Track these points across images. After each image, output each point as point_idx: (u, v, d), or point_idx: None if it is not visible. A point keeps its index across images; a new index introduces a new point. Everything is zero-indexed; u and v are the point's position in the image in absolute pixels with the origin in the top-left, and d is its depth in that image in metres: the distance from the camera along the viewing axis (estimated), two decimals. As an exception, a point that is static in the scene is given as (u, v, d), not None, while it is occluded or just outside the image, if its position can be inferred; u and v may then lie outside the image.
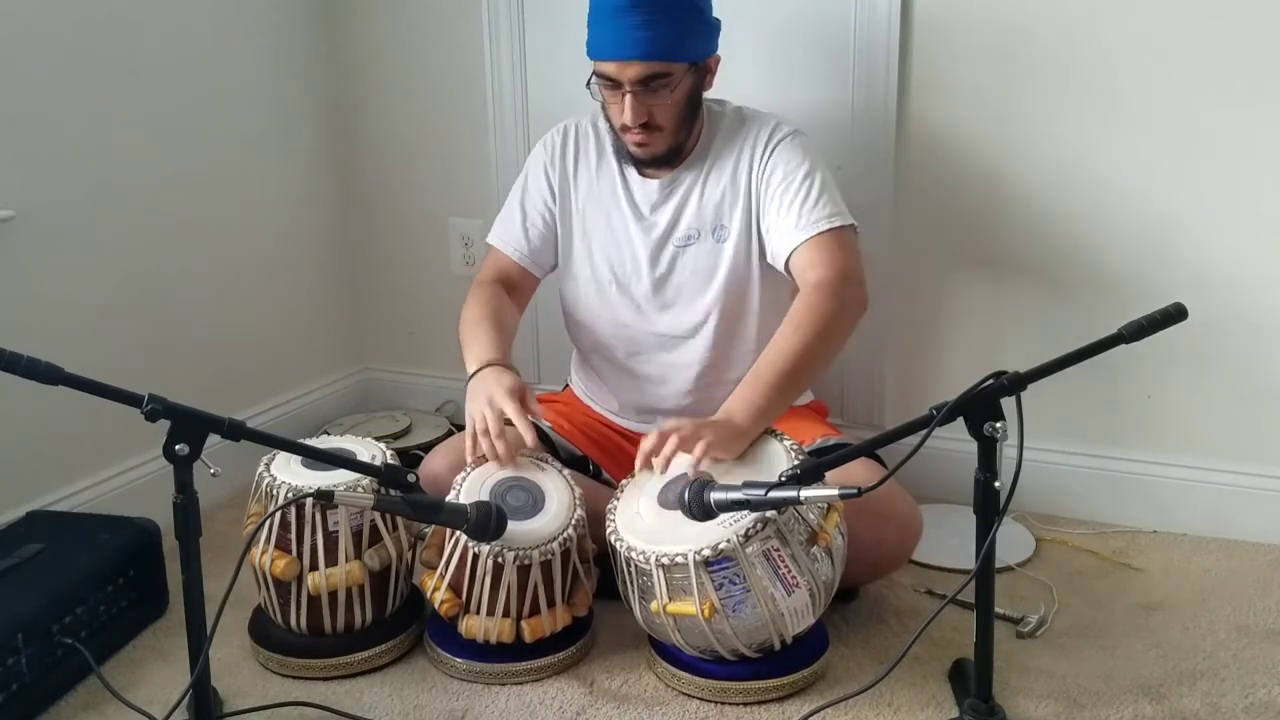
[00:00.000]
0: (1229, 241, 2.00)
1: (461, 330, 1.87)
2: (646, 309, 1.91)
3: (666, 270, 1.89)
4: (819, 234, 1.76)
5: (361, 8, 2.55)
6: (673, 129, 1.79)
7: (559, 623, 1.67)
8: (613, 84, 1.74)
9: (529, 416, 1.68)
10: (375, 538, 1.69)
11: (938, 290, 2.23)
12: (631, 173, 1.90)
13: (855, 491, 1.39)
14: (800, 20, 2.15)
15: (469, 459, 1.72)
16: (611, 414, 2.02)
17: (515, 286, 1.95)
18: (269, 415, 2.49)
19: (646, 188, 1.89)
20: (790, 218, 1.77)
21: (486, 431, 1.69)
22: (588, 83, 1.78)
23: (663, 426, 1.60)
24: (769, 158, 1.81)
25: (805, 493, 1.44)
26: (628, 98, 1.72)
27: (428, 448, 1.99)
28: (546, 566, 1.63)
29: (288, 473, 1.68)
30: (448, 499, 1.67)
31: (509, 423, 1.69)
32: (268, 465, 1.71)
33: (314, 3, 2.54)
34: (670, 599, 1.55)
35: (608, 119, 1.84)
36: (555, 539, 1.63)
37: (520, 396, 1.70)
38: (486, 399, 1.70)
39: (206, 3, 2.27)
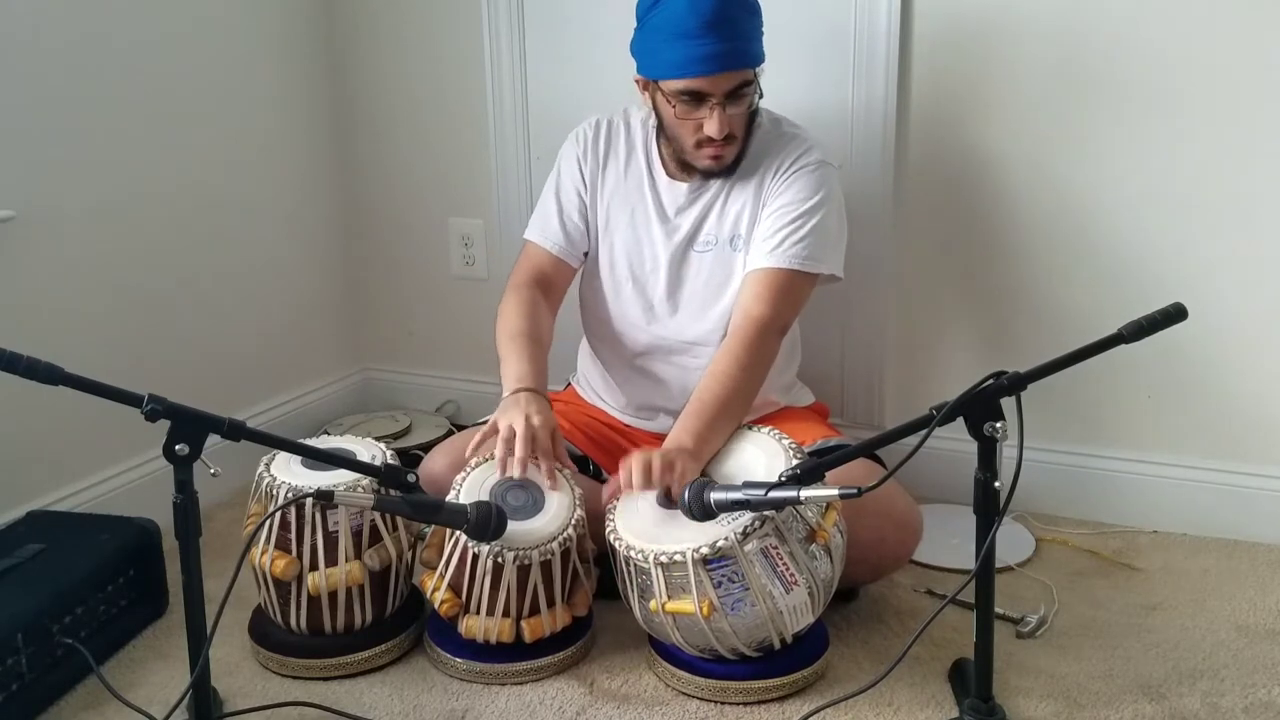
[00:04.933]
0: (1229, 240, 2.00)
1: (499, 339, 1.86)
2: (660, 311, 1.91)
3: (684, 274, 1.89)
4: (780, 269, 1.77)
5: (362, 9, 2.55)
6: (743, 136, 1.80)
7: (559, 623, 1.67)
8: (697, 101, 1.72)
9: (556, 464, 1.71)
10: (375, 538, 1.69)
11: (938, 290, 2.23)
12: (660, 173, 1.90)
13: (855, 491, 1.39)
14: (800, 19, 2.15)
15: (469, 452, 1.72)
16: (615, 410, 2.02)
17: (551, 283, 1.95)
18: (269, 415, 2.49)
19: (674, 190, 1.89)
20: (770, 241, 1.79)
21: (510, 440, 1.68)
22: (655, 107, 1.78)
23: (634, 460, 1.62)
24: (786, 179, 1.82)
25: (805, 492, 1.44)
26: (716, 111, 1.72)
27: (428, 448, 1.99)
28: (546, 566, 1.63)
29: (288, 473, 1.68)
30: (448, 499, 1.67)
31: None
32: (268, 465, 1.71)
33: (314, 4, 2.54)
34: (669, 598, 1.55)
35: (669, 138, 1.82)
36: (555, 539, 1.63)
37: (552, 435, 1.72)
38: (524, 418, 1.70)
39: (208, 4, 2.27)
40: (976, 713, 1.48)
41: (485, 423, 1.77)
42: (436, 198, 2.60)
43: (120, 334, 2.12)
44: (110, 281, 2.10)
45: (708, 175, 1.85)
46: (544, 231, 1.96)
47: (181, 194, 2.24)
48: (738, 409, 1.73)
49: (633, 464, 1.61)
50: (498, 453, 1.69)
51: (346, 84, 2.61)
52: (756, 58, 1.74)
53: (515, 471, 1.66)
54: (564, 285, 1.98)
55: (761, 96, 1.79)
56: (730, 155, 1.80)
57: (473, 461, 1.73)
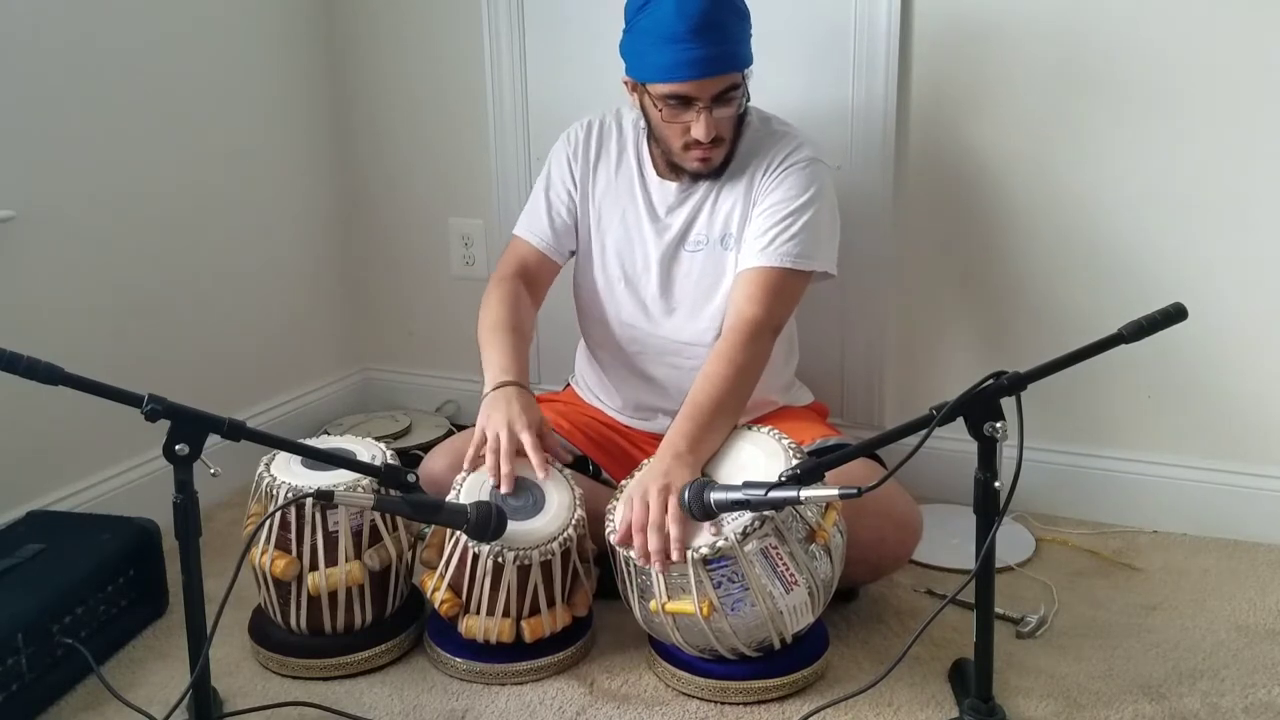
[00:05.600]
0: (1229, 241, 2.00)
1: (481, 331, 1.86)
2: (653, 311, 1.91)
3: (675, 274, 1.89)
4: (772, 267, 1.77)
5: (362, 9, 2.55)
6: (731, 139, 1.80)
7: (559, 623, 1.67)
8: (684, 104, 1.72)
9: (545, 454, 1.70)
10: (375, 538, 1.69)
11: (938, 290, 2.23)
12: (650, 173, 1.90)
13: (855, 491, 1.39)
14: (800, 19, 2.15)
15: (467, 464, 1.72)
16: (613, 411, 2.02)
17: (535, 278, 1.95)
18: (269, 415, 2.49)
19: (664, 189, 1.89)
20: (762, 240, 1.78)
21: (497, 450, 1.69)
22: (643, 108, 1.78)
23: (628, 501, 1.59)
24: (776, 177, 1.81)
25: (805, 492, 1.44)
26: (703, 115, 1.71)
27: (428, 448, 1.99)
28: (546, 566, 1.63)
29: (288, 473, 1.68)
30: (448, 499, 1.67)
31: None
32: (268, 465, 1.71)
33: (314, 4, 2.54)
34: (669, 598, 1.56)
35: (657, 139, 1.83)
36: (555, 539, 1.63)
37: (538, 430, 1.71)
38: (506, 422, 1.70)
39: (208, 4, 2.27)
40: (976, 713, 1.48)
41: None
42: (436, 198, 2.60)
43: (120, 334, 2.12)
44: (110, 281, 2.10)
45: (695, 177, 1.85)
46: (531, 228, 1.96)
47: (181, 194, 2.24)
48: (732, 410, 1.73)
49: (633, 505, 1.58)
50: (487, 463, 1.69)
51: (346, 84, 2.61)
52: (744, 61, 1.74)
53: (504, 487, 1.66)
54: (547, 282, 1.98)
55: (749, 99, 1.79)
56: (718, 157, 1.80)
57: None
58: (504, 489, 1.67)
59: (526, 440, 1.69)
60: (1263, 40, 1.90)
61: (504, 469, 1.67)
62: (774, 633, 1.57)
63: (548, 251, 1.95)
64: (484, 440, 1.72)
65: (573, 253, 1.98)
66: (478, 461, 1.72)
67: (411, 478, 1.63)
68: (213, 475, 1.39)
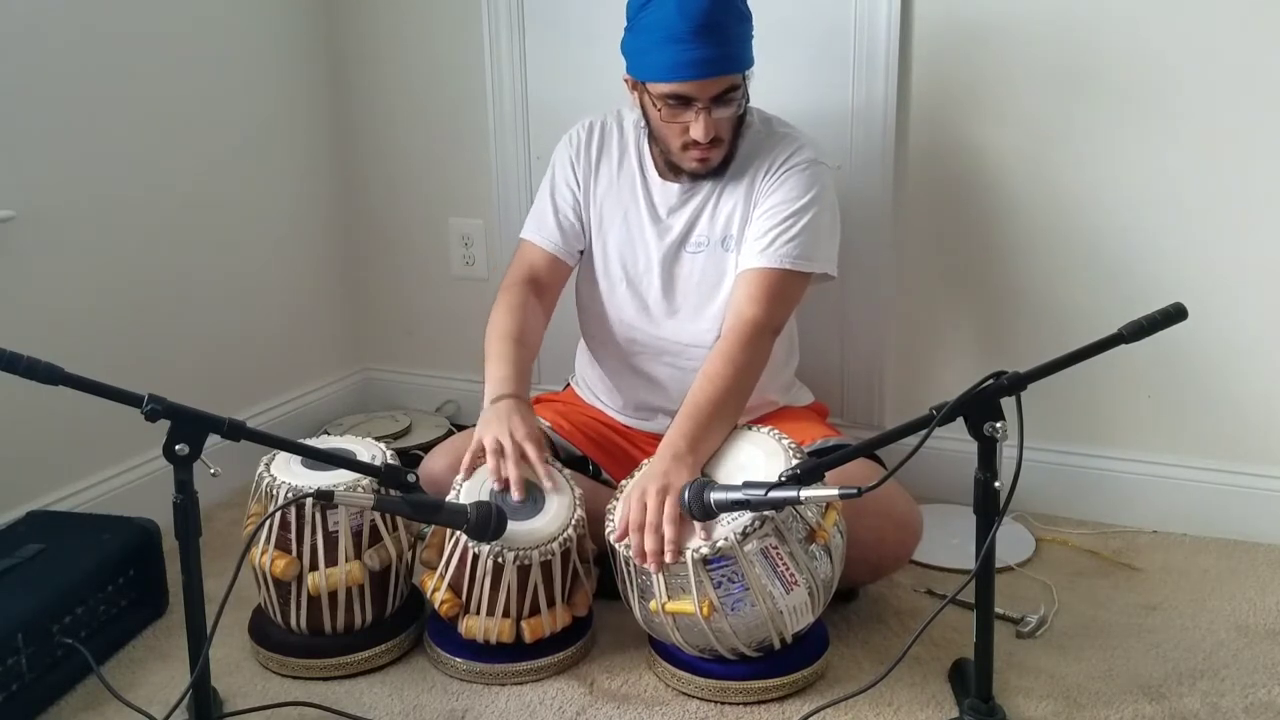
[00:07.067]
0: (1229, 240, 2.00)
1: (487, 339, 1.86)
2: (655, 312, 1.91)
3: (676, 275, 1.89)
4: (772, 269, 1.77)
5: (362, 8, 2.55)
6: (730, 139, 1.80)
7: (559, 623, 1.67)
8: (683, 104, 1.72)
9: (545, 464, 1.71)
10: (375, 538, 1.69)
11: (938, 290, 2.23)
12: (652, 174, 1.90)
13: (855, 491, 1.39)
14: (800, 19, 2.15)
15: (463, 471, 1.72)
16: (613, 411, 2.02)
17: (545, 282, 1.94)
18: (269, 415, 2.49)
19: (666, 191, 1.89)
20: (762, 241, 1.79)
21: (499, 452, 1.69)
22: (643, 106, 1.78)
23: (628, 500, 1.60)
24: (777, 178, 1.81)
25: (805, 492, 1.44)
26: (702, 115, 1.72)
27: (428, 448, 1.99)
28: (546, 566, 1.63)
29: (288, 473, 1.68)
30: (448, 499, 1.67)
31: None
32: (268, 465, 1.71)
33: (314, 4, 2.54)
34: (669, 598, 1.56)
35: (657, 140, 1.83)
36: (555, 539, 1.63)
37: (537, 441, 1.72)
38: (508, 431, 1.70)
39: (208, 4, 2.27)
40: (976, 713, 1.48)
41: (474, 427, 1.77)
42: (436, 198, 2.60)
43: (120, 334, 2.12)
44: (110, 281, 2.10)
45: (695, 177, 1.85)
46: (540, 230, 1.96)
47: (181, 194, 2.24)
48: (732, 410, 1.73)
49: (631, 504, 1.59)
50: (490, 465, 1.69)
51: (346, 84, 2.61)
52: (745, 63, 1.74)
53: (515, 495, 1.66)
54: (559, 284, 1.98)
55: (748, 100, 1.79)
56: (716, 158, 1.80)
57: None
58: (516, 496, 1.66)
59: (530, 451, 1.69)
60: (1262, 41, 1.90)
61: (514, 475, 1.67)
62: (774, 633, 1.57)
63: (558, 253, 1.94)
64: (481, 449, 1.72)
65: (582, 253, 1.98)
66: (475, 465, 1.72)
67: (411, 478, 1.63)
68: (213, 475, 1.39)
